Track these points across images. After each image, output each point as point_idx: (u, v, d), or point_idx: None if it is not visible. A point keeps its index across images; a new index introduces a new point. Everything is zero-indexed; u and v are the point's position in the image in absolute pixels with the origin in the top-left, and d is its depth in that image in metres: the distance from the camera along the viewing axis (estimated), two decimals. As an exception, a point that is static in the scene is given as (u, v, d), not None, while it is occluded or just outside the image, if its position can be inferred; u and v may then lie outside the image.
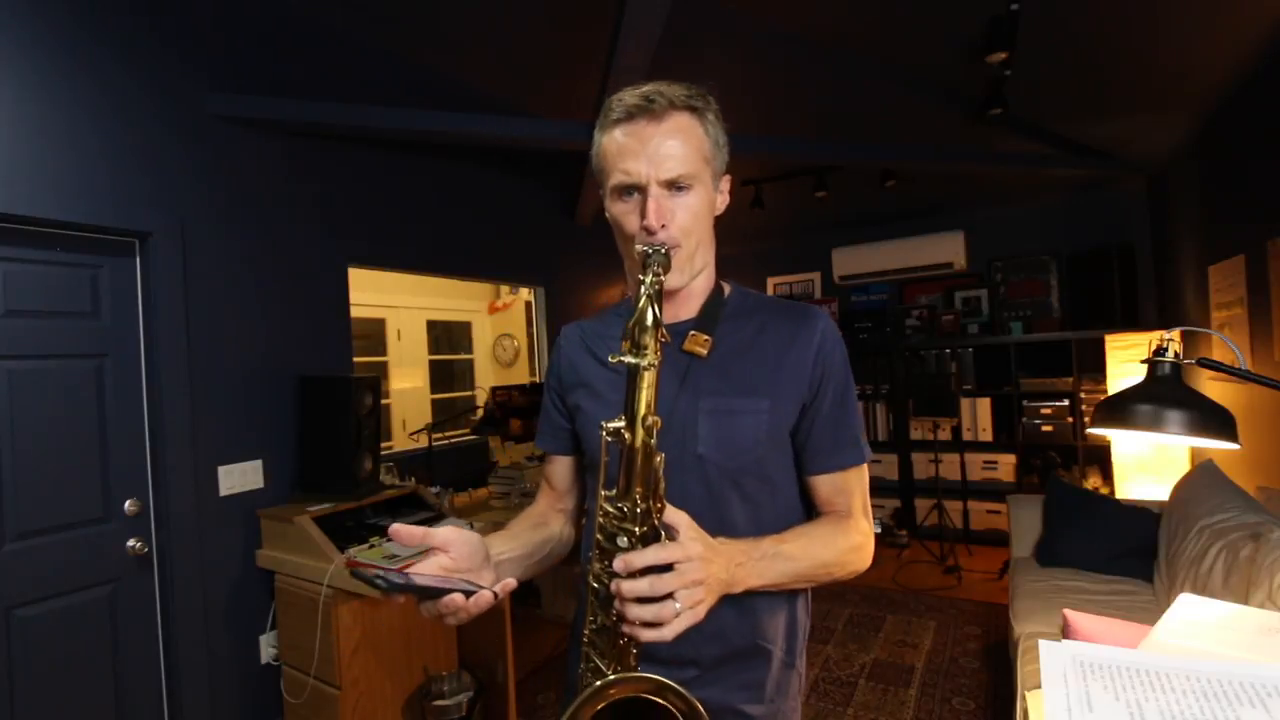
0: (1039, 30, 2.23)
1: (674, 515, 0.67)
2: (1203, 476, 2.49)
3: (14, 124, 1.80)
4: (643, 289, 0.68)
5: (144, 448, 2.12)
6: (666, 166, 0.79)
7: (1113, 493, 3.65)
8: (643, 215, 0.79)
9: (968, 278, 4.96)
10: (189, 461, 2.16)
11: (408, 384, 5.43)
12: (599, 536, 0.69)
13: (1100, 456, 4.11)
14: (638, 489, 0.66)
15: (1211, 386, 3.09)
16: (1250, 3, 2.11)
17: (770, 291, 5.62)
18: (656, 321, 0.66)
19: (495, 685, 2.38)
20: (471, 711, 2.19)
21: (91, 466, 2.00)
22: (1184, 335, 2.20)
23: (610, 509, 0.68)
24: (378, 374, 2.86)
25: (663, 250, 0.75)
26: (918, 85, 2.76)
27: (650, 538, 0.67)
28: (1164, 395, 1.00)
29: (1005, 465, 4.58)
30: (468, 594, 0.65)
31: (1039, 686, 0.69)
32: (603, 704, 0.62)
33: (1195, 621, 0.99)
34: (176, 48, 2.17)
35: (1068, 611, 1.79)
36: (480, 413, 3.62)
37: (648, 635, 0.63)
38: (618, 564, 0.64)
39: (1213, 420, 0.97)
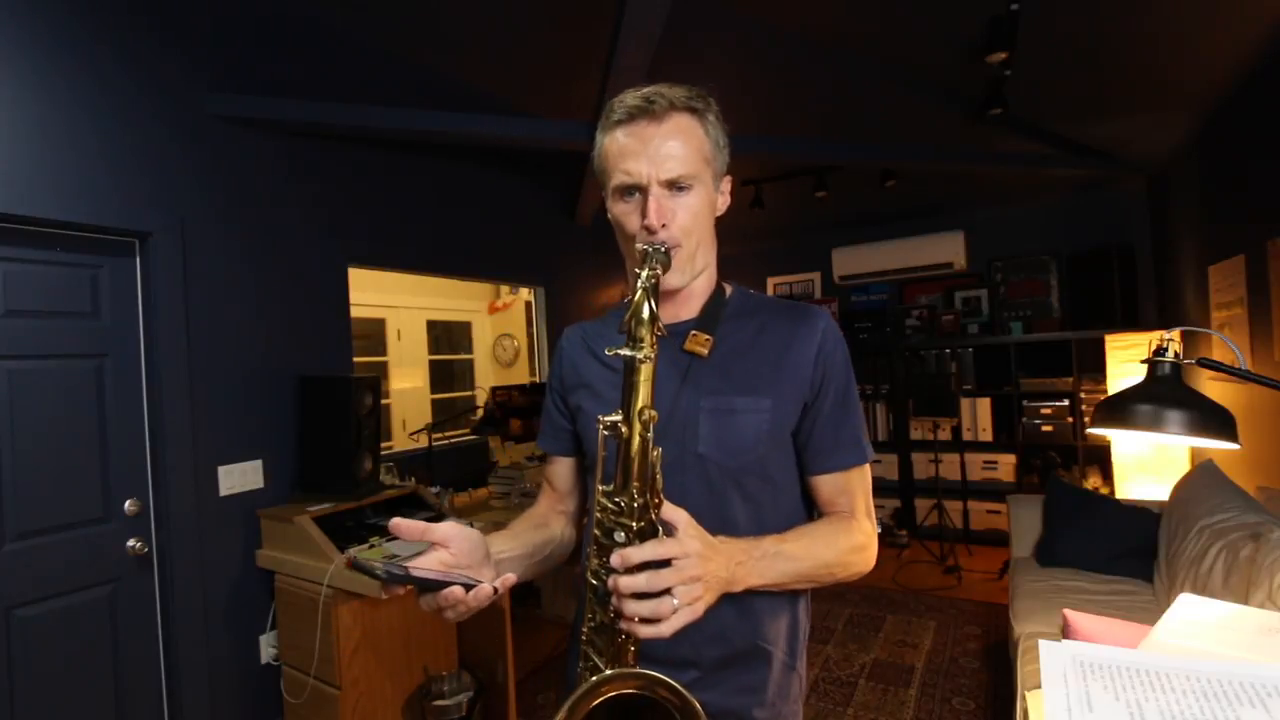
0: (1039, 30, 2.23)
1: (672, 512, 0.67)
2: (1203, 476, 2.49)
3: (14, 124, 1.80)
4: (639, 283, 0.69)
5: (144, 448, 2.12)
6: (667, 167, 0.79)
7: (1113, 493, 3.65)
8: (643, 215, 0.79)
9: (968, 278, 4.96)
10: (189, 461, 2.16)
11: (408, 384, 5.43)
12: (596, 532, 0.69)
13: (1100, 456, 4.11)
14: (635, 483, 0.66)
15: (1211, 386, 3.09)
16: (1250, 3, 2.11)
17: (770, 291, 5.62)
18: (653, 315, 0.67)
19: (495, 685, 2.38)
20: (471, 711, 2.19)
21: (91, 466, 2.00)
22: (1184, 335, 2.20)
23: (608, 503, 0.68)
24: (378, 374, 2.86)
25: (663, 249, 0.76)
26: (918, 85, 2.76)
27: (648, 533, 0.67)
28: (1164, 395, 1.00)
29: (1005, 465, 4.58)
30: (467, 588, 0.65)
31: (1039, 686, 0.69)
32: (598, 700, 0.62)
33: (1195, 621, 0.99)
34: (176, 48, 2.17)
35: (1068, 611, 1.79)
36: (480, 413, 3.62)
37: (645, 631, 0.63)
38: (615, 559, 0.63)
39: (1213, 420, 0.97)
